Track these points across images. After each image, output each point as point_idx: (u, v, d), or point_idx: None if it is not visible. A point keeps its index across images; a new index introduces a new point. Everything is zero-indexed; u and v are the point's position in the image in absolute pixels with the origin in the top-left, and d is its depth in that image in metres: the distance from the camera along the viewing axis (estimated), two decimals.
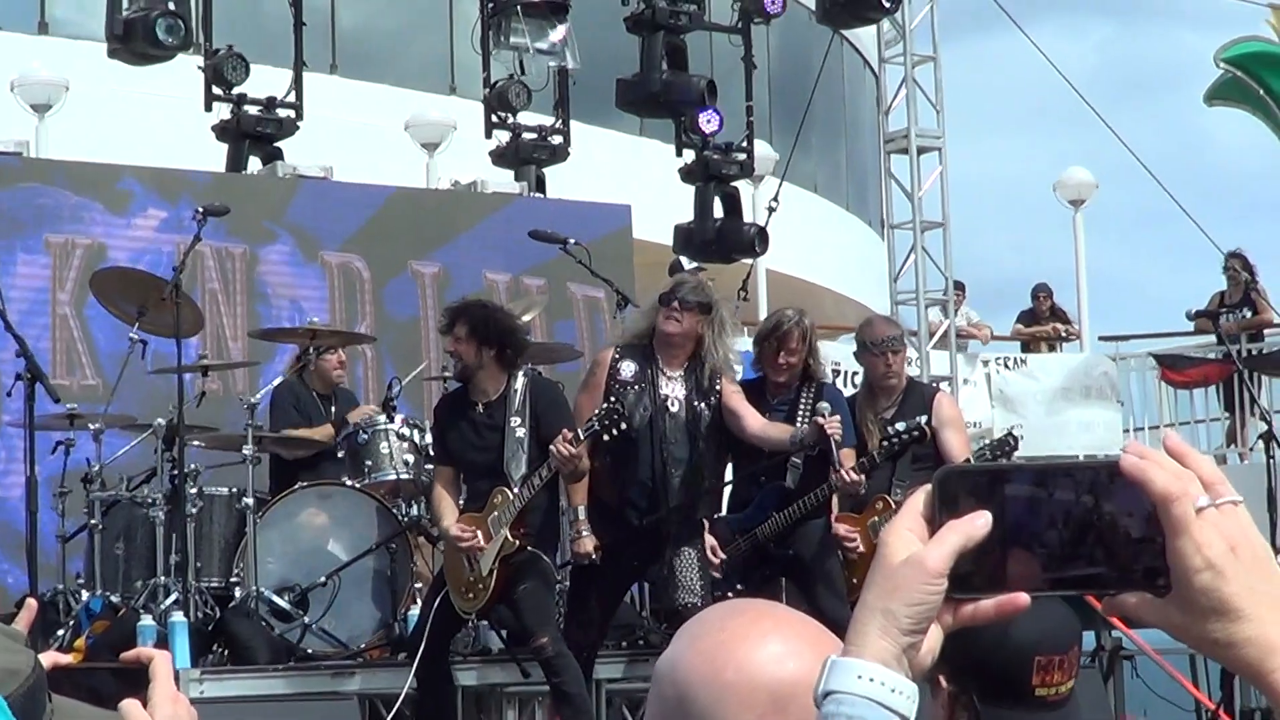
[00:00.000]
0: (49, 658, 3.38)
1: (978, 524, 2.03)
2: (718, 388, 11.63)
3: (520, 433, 11.42)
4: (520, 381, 11.53)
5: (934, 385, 13.60)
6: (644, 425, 11.40)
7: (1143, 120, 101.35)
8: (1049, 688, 4.37)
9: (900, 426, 11.71)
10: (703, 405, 11.60)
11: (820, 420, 11.36)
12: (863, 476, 11.54)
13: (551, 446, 10.98)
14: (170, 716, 3.36)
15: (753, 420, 11.64)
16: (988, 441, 14.06)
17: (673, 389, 11.57)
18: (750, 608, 2.84)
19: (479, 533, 11.20)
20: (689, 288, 11.99)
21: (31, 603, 5.59)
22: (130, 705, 3.26)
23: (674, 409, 11.54)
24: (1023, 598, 2.13)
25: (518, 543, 11.23)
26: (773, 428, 11.70)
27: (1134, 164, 23.74)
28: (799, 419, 11.85)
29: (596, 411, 11.08)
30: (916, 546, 2.04)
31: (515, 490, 11.26)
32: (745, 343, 13.53)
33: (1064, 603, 4.43)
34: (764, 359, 12.30)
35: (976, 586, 2.07)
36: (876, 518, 11.69)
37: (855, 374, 23.74)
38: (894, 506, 11.47)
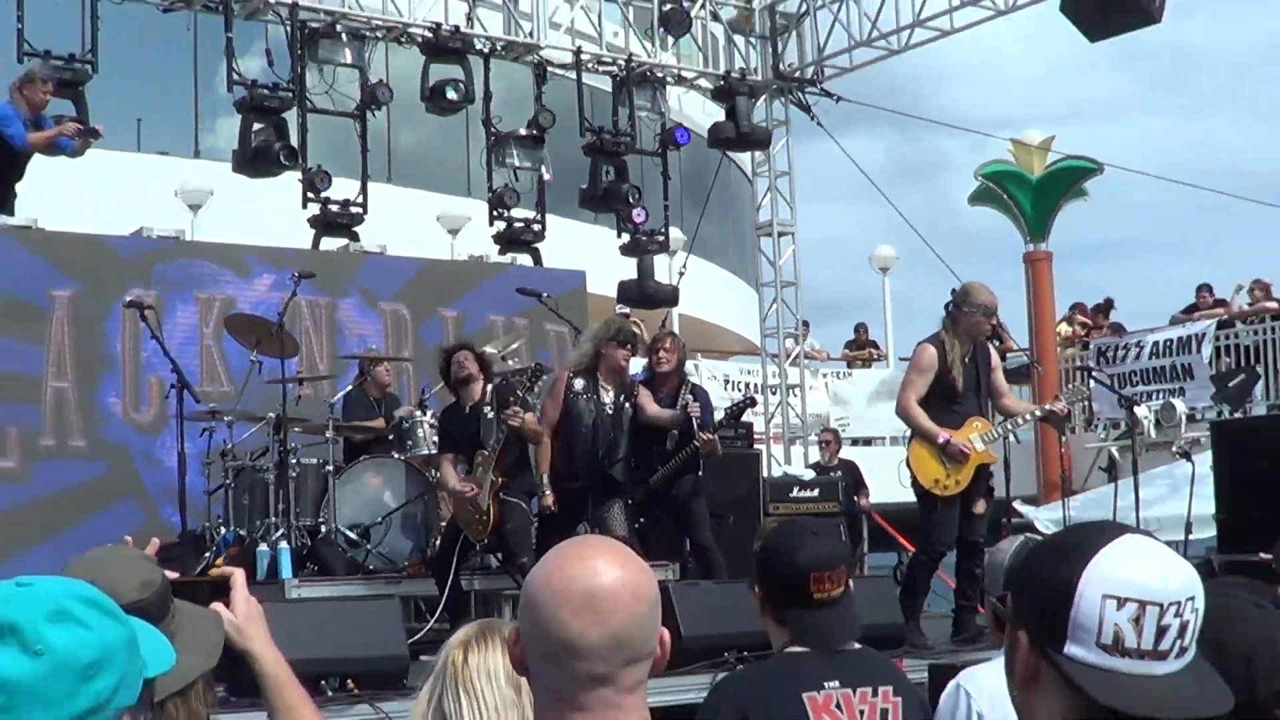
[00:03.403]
0: (225, 572, 3.98)
1: None
2: (635, 393, 13.11)
3: (489, 415, 12.62)
4: (489, 389, 12.79)
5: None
6: (590, 421, 12.76)
7: (916, 194, 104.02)
8: (824, 593, 4.86)
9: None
10: (627, 404, 12.99)
11: (687, 407, 13.07)
12: (715, 438, 13.09)
13: (505, 413, 12.36)
14: (243, 611, 3.83)
15: (651, 408, 13.12)
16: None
17: (608, 396, 12.91)
18: (585, 539, 3.18)
19: (473, 485, 12.43)
20: (632, 334, 13.52)
21: (155, 540, 5.75)
22: (218, 605, 3.76)
23: (609, 410, 12.89)
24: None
25: (501, 480, 12.39)
26: (663, 413, 13.13)
27: (916, 222, 25.32)
28: (677, 406, 13.21)
29: (525, 378, 12.68)
30: None
31: (489, 449, 12.49)
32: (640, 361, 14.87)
33: (837, 535, 6.01)
34: (651, 361, 13.73)
35: None
36: (976, 432, 12.39)
37: (738, 384, 25.81)
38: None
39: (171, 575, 3.54)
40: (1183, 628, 2.56)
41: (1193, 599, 2.57)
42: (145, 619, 2.94)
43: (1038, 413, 13.30)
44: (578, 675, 2.86)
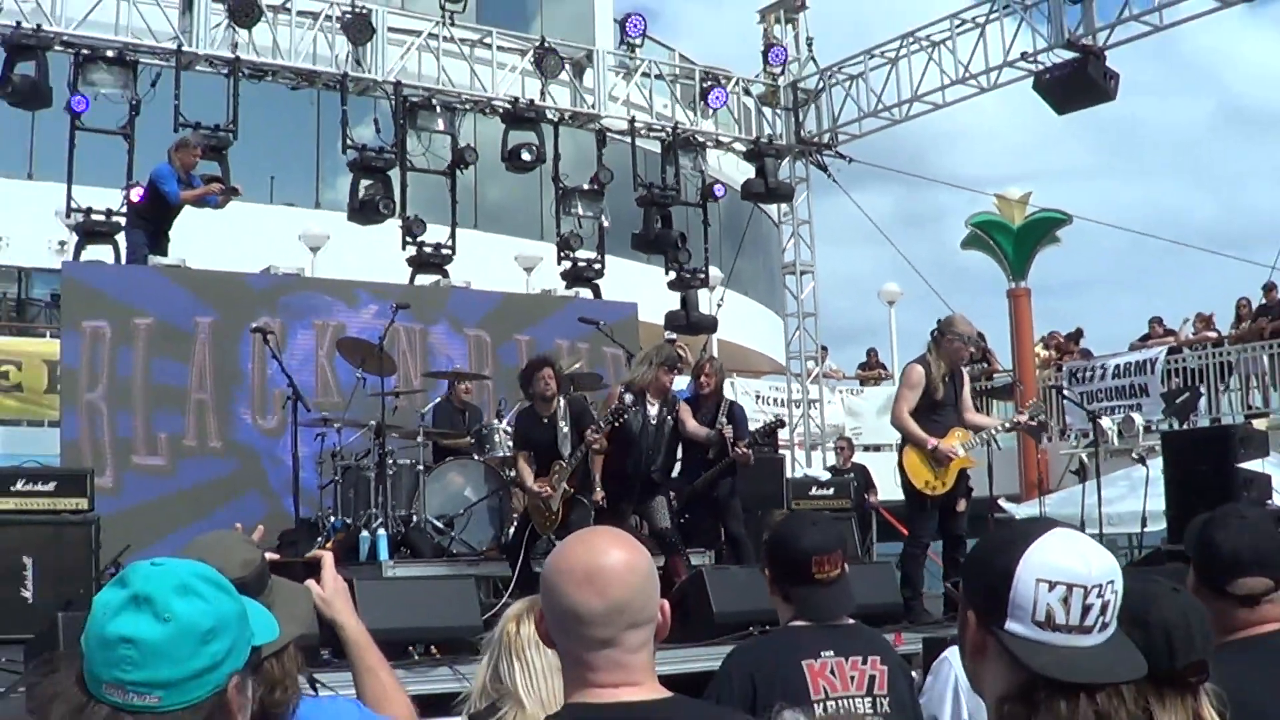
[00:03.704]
0: (316, 554, 4.00)
1: None
2: (676, 408, 13.11)
3: (565, 429, 12.32)
4: (562, 401, 12.45)
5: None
6: (637, 429, 12.60)
7: (919, 239, 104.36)
8: (824, 573, 4.83)
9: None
10: (669, 420, 12.93)
11: (722, 430, 13.16)
12: (749, 452, 13.11)
13: (586, 434, 12.12)
14: (331, 587, 3.89)
15: (690, 424, 13.21)
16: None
17: (652, 411, 12.77)
18: (593, 529, 3.14)
19: (549, 487, 12.20)
20: (678, 362, 13.35)
21: (261, 527, 5.65)
22: (310, 582, 3.80)
23: (654, 423, 12.75)
24: None
25: (571, 489, 12.20)
26: (700, 430, 13.24)
27: (918, 263, 25.23)
28: (716, 423, 13.33)
29: (609, 411, 12.33)
30: None
31: (565, 462, 12.20)
32: (684, 379, 14.87)
33: (835, 525, 5.95)
34: (695, 381, 13.86)
35: None
36: (956, 440, 12.19)
37: (768, 399, 25.80)
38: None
39: (271, 556, 3.57)
40: (1104, 606, 2.57)
41: (1112, 582, 2.59)
42: (246, 592, 2.92)
43: (1003, 426, 13.11)
44: (587, 640, 2.91)
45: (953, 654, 5.18)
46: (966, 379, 12.98)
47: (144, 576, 2.42)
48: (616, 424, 12.25)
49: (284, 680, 3.23)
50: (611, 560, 2.92)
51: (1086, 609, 2.55)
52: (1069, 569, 2.56)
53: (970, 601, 2.70)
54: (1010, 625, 2.58)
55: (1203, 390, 23.42)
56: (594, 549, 2.95)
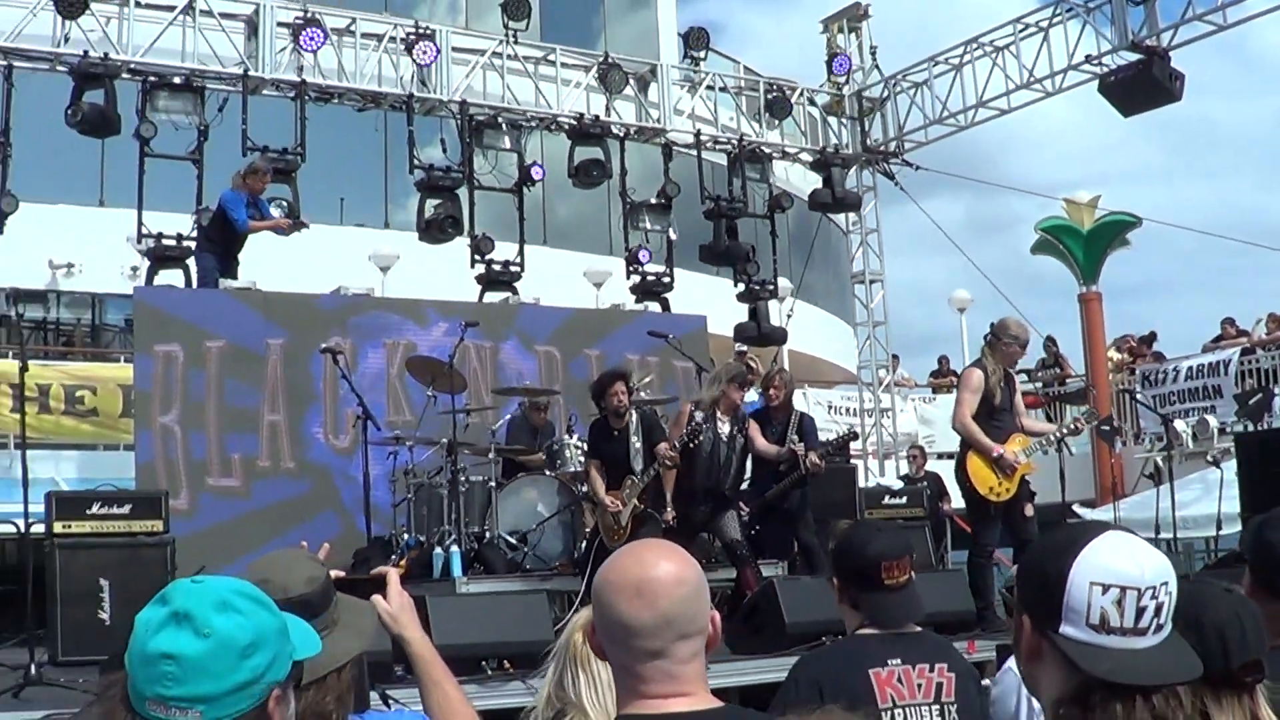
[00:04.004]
0: (381, 571, 4.01)
1: None
2: (746, 426, 13.02)
3: (638, 444, 12.60)
4: (634, 415, 12.74)
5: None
6: (708, 447, 12.55)
7: (991, 245, 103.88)
8: (892, 579, 4.84)
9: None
10: (739, 438, 12.84)
11: (793, 447, 13.25)
12: (822, 462, 13.18)
13: (657, 451, 12.33)
14: (396, 603, 3.90)
15: (760, 442, 13.26)
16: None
17: (724, 429, 12.72)
18: (643, 541, 3.15)
19: (620, 501, 12.47)
20: (749, 376, 13.71)
21: (326, 545, 5.12)
22: (376, 598, 3.82)
23: (724, 439, 12.69)
24: None
25: (642, 505, 12.47)
26: (769, 448, 13.33)
27: (990, 269, 25.39)
28: (787, 436, 13.48)
29: (685, 432, 12.32)
30: None
31: (637, 477, 12.49)
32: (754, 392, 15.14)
33: (901, 532, 5.32)
34: (765, 394, 14.12)
35: None
36: (1018, 446, 12.19)
37: (839, 408, 25.74)
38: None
39: (337, 573, 3.63)
40: (1158, 608, 2.58)
41: (1166, 584, 2.59)
42: (310, 608, 3.19)
43: (1060, 433, 12.86)
44: (637, 651, 2.94)
45: (1015, 661, 5.12)
46: (1017, 382, 12.94)
47: (184, 593, 2.49)
48: (691, 445, 12.33)
49: (343, 693, 3.27)
50: (660, 572, 2.95)
51: (1140, 611, 2.55)
52: (1122, 571, 2.56)
53: (1024, 606, 2.70)
54: (1065, 629, 2.58)
55: (1276, 391, 23.11)
56: (644, 562, 2.98)
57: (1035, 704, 4.95)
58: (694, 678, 2.98)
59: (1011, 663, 5.10)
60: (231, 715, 2.43)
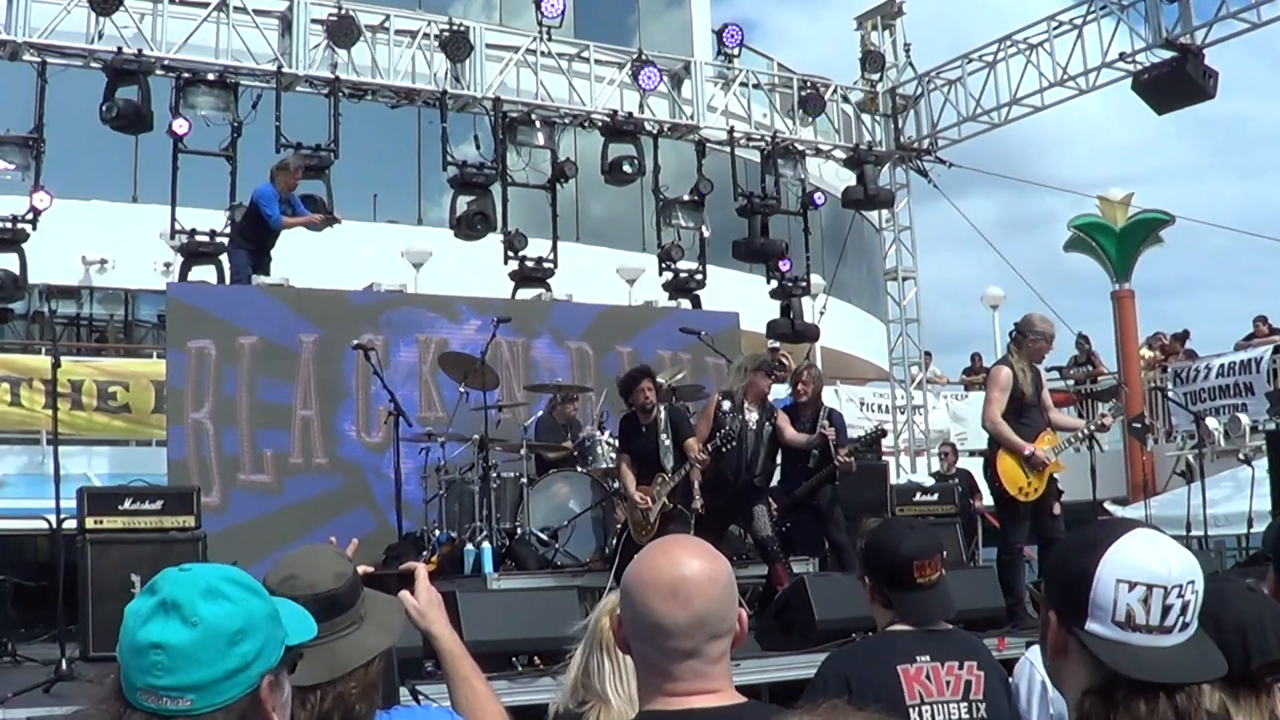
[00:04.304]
0: (409, 566, 3.98)
1: None
2: (774, 416, 13.04)
3: (667, 441, 12.59)
4: (663, 411, 12.75)
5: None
6: (737, 438, 12.55)
7: (1025, 242, 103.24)
8: (924, 577, 4.83)
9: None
10: (768, 426, 12.86)
11: (823, 431, 13.09)
12: (852, 459, 13.04)
13: (687, 451, 12.36)
14: (424, 599, 3.89)
15: (790, 432, 13.07)
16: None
17: (751, 417, 12.73)
18: (673, 538, 3.18)
19: (649, 498, 12.53)
20: (775, 367, 13.79)
21: (355, 541, 5.62)
22: (404, 593, 3.82)
23: (752, 429, 12.70)
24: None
25: (671, 503, 12.49)
26: (799, 436, 13.11)
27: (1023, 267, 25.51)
28: (816, 429, 13.24)
29: (718, 436, 12.31)
30: None
31: (668, 474, 12.49)
32: (783, 388, 15.28)
33: (931, 529, 5.37)
34: (793, 389, 14.12)
35: None
36: (1047, 444, 12.20)
37: (872, 405, 25.70)
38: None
39: (365, 569, 3.62)
40: (1185, 606, 2.57)
41: (1193, 582, 2.59)
42: (338, 604, 3.21)
43: (1088, 429, 12.92)
44: (669, 651, 2.92)
45: (1033, 653, 5.16)
46: (1044, 377, 12.87)
47: (171, 582, 2.48)
48: (724, 450, 12.34)
49: (369, 688, 3.25)
50: (694, 571, 2.93)
51: (1167, 609, 2.55)
52: (1149, 569, 2.56)
53: (1051, 602, 2.70)
54: (1091, 625, 2.59)
55: None
56: (676, 560, 2.96)
57: (1051, 692, 4.99)
58: (721, 675, 2.98)
59: (1029, 654, 5.18)
60: (223, 702, 2.43)
